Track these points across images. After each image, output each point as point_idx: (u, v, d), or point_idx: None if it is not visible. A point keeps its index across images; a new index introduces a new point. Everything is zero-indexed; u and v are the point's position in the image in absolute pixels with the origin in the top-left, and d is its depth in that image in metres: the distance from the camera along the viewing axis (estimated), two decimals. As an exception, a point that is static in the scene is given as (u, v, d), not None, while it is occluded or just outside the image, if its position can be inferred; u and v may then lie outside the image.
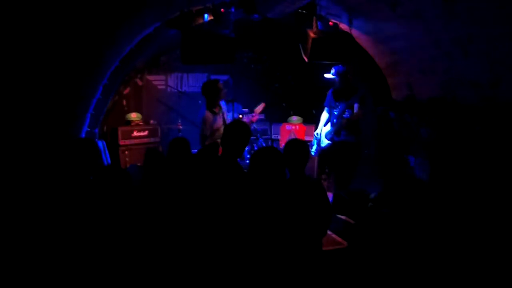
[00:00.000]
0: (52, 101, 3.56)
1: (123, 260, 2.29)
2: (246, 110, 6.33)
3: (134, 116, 6.32)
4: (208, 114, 4.63)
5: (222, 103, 4.89)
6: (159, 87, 7.07)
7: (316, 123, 5.52)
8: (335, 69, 5.10)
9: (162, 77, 7.08)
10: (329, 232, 3.54)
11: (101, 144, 5.40)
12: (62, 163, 2.90)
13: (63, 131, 4.17)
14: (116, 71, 5.03)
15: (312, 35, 4.77)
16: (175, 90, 7.06)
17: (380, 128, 6.03)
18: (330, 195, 3.46)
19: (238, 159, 2.98)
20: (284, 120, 6.99)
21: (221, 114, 4.82)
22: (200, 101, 5.27)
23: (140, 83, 6.83)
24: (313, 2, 4.73)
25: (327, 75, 5.21)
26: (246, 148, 6.20)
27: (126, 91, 6.62)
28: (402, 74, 5.33)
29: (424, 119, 5.02)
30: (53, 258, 2.26)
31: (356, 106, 5.02)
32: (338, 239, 3.79)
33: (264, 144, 6.78)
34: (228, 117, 5.44)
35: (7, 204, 2.83)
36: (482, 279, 2.83)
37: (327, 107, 5.33)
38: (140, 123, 6.36)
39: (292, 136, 6.49)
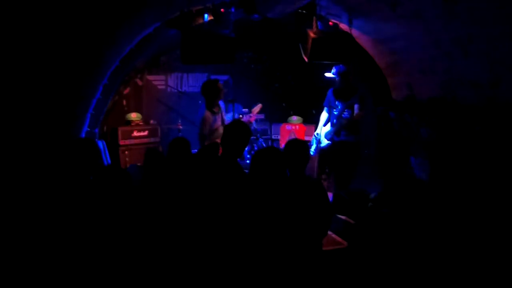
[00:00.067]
0: (52, 101, 3.56)
1: (123, 260, 2.29)
2: (246, 110, 6.33)
3: (134, 116, 6.32)
4: (208, 114, 4.63)
5: (221, 103, 4.90)
6: (159, 87, 7.07)
7: (316, 123, 5.52)
8: (336, 68, 5.10)
9: (162, 77, 7.07)
10: (329, 232, 3.54)
11: (101, 144, 5.40)
12: (62, 163, 2.89)
13: (63, 131, 4.17)
14: (116, 71, 5.03)
15: (312, 35, 4.77)
16: (175, 90, 7.05)
17: (380, 128, 6.03)
18: (330, 195, 3.46)
19: (238, 159, 2.98)
20: (284, 120, 6.99)
21: (220, 114, 4.82)
22: (200, 101, 5.26)
23: (140, 83, 6.82)
24: (313, 2, 4.73)
25: (327, 74, 5.21)
26: (246, 148, 6.21)
27: (126, 91, 6.62)
28: (402, 74, 5.33)
29: (424, 119, 5.02)
30: (53, 258, 2.26)
31: (356, 106, 5.02)
32: (338, 239, 3.79)
33: (264, 144, 6.78)
34: (228, 118, 5.44)
35: (8, 204, 2.83)
36: (482, 279, 2.83)
37: (326, 107, 5.33)
38: (140, 123, 6.36)
39: (292, 136, 6.49)
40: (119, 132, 6.04)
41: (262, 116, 7.23)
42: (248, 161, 6.53)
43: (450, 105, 4.50)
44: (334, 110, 5.15)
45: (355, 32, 5.05)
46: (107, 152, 5.58)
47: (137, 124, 6.30)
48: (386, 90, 5.71)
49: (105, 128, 6.15)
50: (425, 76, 4.84)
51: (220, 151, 3.02)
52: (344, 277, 3.02)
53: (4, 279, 2.23)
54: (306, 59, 4.94)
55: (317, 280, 2.62)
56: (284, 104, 7.67)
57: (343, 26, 5.11)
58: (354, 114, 5.02)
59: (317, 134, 5.35)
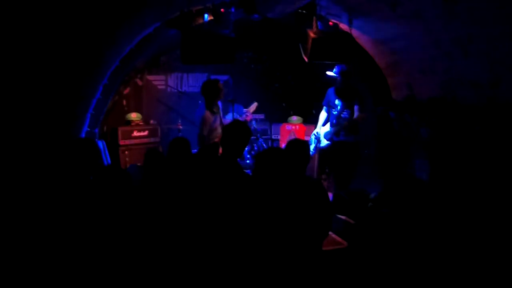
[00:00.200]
0: (52, 101, 3.56)
1: (123, 260, 2.29)
2: (246, 110, 6.34)
3: (134, 116, 6.32)
4: (208, 114, 4.63)
5: (219, 103, 4.90)
6: (159, 87, 7.07)
7: (316, 123, 5.52)
8: (338, 68, 5.10)
9: (162, 77, 7.08)
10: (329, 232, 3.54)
11: (101, 144, 5.40)
12: (62, 163, 2.89)
13: (63, 131, 4.17)
14: (116, 71, 5.03)
15: (312, 35, 4.77)
16: (175, 90, 7.05)
17: (380, 128, 6.03)
18: (330, 195, 3.46)
19: (238, 159, 2.98)
20: (284, 120, 6.99)
21: (219, 114, 4.83)
22: (200, 101, 5.27)
23: (140, 83, 6.82)
24: (313, 2, 4.74)
25: (329, 73, 5.21)
26: (246, 148, 6.21)
27: (126, 91, 6.62)
28: (402, 74, 5.33)
29: (424, 119, 5.02)
30: (53, 258, 2.26)
31: (356, 108, 5.03)
32: (338, 239, 3.79)
33: (264, 144, 6.79)
34: (229, 118, 5.44)
35: (8, 204, 2.83)
36: (482, 279, 2.83)
37: (325, 106, 5.33)
38: (140, 123, 6.36)
39: (292, 136, 6.49)
40: (119, 132, 6.04)
41: (262, 116, 7.24)
42: (248, 161, 6.54)
43: (450, 105, 4.50)
44: (334, 110, 5.15)
45: (355, 32, 5.06)
46: (107, 152, 5.58)
47: (137, 124, 6.30)
48: (386, 90, 5.72)
49: (105, 128, 6.15)
50: (425, 76, 4.84)
51: (220, 151, 3.02)
52: (344, 277, 3.02)
53: (4, 279, 2.23)
54: (306, 59, 4.95)
55: (317, 280, 2.62)
56: (284, 104, 7.67)
57: (343, 26, 5.11)
58: (355, 115, 5.03)
59: (317, 133, 5.35)
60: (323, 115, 5.37)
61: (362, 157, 5.85)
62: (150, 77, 6.94)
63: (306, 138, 6.00)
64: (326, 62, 5.10)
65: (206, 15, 4.53)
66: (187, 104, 6.76)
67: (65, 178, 2.67)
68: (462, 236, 3.22)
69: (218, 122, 4.74)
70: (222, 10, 4.50)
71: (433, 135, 4.90)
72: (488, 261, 2.97)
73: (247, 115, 5.64)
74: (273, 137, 7.24)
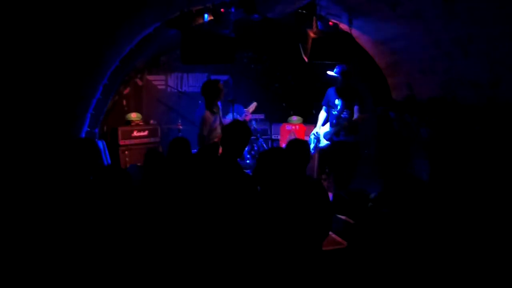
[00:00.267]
0: (53, 101, 3.56)
1: (123, 260, 2.29)
2: (245, 110, 6.34)
3: (134, 116, 6.32)
4: (208, 114, 4.62)
5: (219, 104, 4.90)
6: (159, 87, 7.07)
7: (316, 123, 5.52)
8: (338, 68, 5.10)
9: (162, 77, 7.08)
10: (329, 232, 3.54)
11: (101, 144, 5.40)
12: (62, 163, 2.89)
13: (63, 131, 4.17)
14: (116, 71, 5.03)
15: (312, 35, 4.77)
16: (175, 90, 7.05)
17: (380, 128, 6.03)
18: (330, 195, 3.46)
19: (238, 159, 2.98)
20: (284, 120, 6.99)
21: (219, 114, 4.83)
22: (200, 101, 5.27)
23: (140, 83, 6.83)
24: (313, 2, 4.74)
25: (330, 73, 5.21)
26: (246, 148, 6.21)
27: (126, 91, 6.62)
28: (402, 74, 5.33)
29: (424, 119, 5.02)
30: (53, 258, 2.26)
31: (356, 108, 5.03)
32: (338, 239, 3.79)
33: (264, 144, 6.78)
34: (229, 118, 5.44)
35: (8, 204, 2.83)
36: (482, 279, 2.83)
37: (325, 106, 5.33)
38: (140, 123, 6.36)
39: (292, 136, 6.49)
40: (119, 132, 6.04)
41: (262, 116, 7.24)
42: (248, 161, 6.54)
43: (450, 105, 4.50)
44: (333, 109, 5.16)
45: (355, 32, 5.06)
46: (107, 152, 5.58)
47: (137, 124, 6.30)
48: (386, 90, 5.72)
49: (105, 128, 6.15)
50: (425, 76, 4.84)
51: (220, 151, 3.02)
52: (344, 277, 3.02)
53: (4, 279, 2.23)
54: (306, 59, 4.94)
55: (317, 280, 2.62)
56: (284, 104, 7.67)
57: (343, 26, 5.11)
58: (355, 116, 5.03)
59: (316, 133, 5.35)
60: (322, 115, 5.37)
61: (362, 157, 5.85)
62: (150, 77, 6.94)
63: (306, 138, 6.00)
64: (326, 62, 5.11)
65: (206, 15, 4.53)
66: (187, 104, 6.76)
67: (65, 178, 2.67)
68: (462, 236, 3.22)
69: (218, 122, 4.74)
70: (222, 10, 4.50)
71: (433, 135, 4.90)
72: (488, 261, 2.97)
73: (246, 115, 5.65)
74: (273, 137, 7.24)
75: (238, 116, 5.74)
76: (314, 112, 6.68)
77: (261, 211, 2.59)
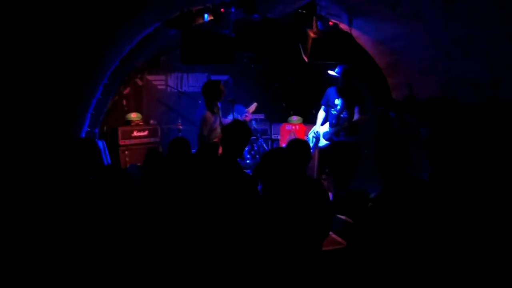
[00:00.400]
0: (53, 101, 3.56)
1: (123, 260, 2.29)
2: (246, 110, 6.34)
3: (134, 116, 6.32)
4: (209, 115, 4.63)
5: (219, 104, 4.90)
6: (159, 87, 7.07)
7: (315, 123, 5.52)
8: (339, 68, 5.10)
9: (162, 77, 7.08)
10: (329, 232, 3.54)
11: (101, 144, 5.40)
12: (62, 163, 2.89)
13: (63, 131, 4.17)
14: (116, 71, 5.03)
15: (312, 35, 4.77)
16: (175, 90, 7.06)
17: (380, 128, 6.03)
18: (330, 195, 3.46)
19: (238, 159, 2.98)
20: (284, 120, 6.99)
21: (219, 115, 4.83)
22: (200, 101, 5.27)
23: (140, 83, 6.83)
24: (313, 2, 4.74)
25: (331, 72, 5.21)
26: (246, 148, 6.21)
27: (126, 91, 6.63)
28: (402, 74, 5.33)
29: (424, 119, 5.02)
30: (53, 258, 2.26)
31: (356, 109, 5.03)
32: (338, 239, 3.79)
33: (264, 144, 6.78)
34: (230, 119, 5.44)
35: (8, 203, 2.83)
36: (482, 279, 2.83)
37: (324, 105, 5.33)
38: (140, 123, 6.36)
39: (292, 136, 6.49)
40: (119, 132, 6.04)
41: (262, 116, 7.23)
42: (248, 161, 6.54)
43: (450, 105, 4.50)
44: (333, 109, 5.15)
45: (355, 32, 5.06)
46: (107, 152, 5.58)
47: (137, 124, 6.30)
48: (386, 90, 5.71)
49: (105, 128, 6.15)
50: (425, 76, 4.84)
51: (220, 151, 3.02)
52: (343, 277, 3.02)
53: (4, 279, 2.23)
54: (306, 59, 4.95)
55: (317, 280, 2.62)
56: (284, 104, 7.67)
57: (343, 26, 5.11)
58: (355, 117, 5.03)
59: (316, 132, 5.34)
60: (321, 114, 5.38)
61: (362, 157, 5.85)
62: (150, 77, 6.94)
63: (306, 138, 6.01)
64: (326, 62, 5.11)
65: (206, 15, 4.53)
66: (187, 104, 6.76)
67: (65, 178, 2.67)
68: (462, 236, 3.23)
69: (218, 122, 4.75)
70: (222, 10, 4.50)
71: (433, 135, 4.90)
72: (488, 260, 2.97)
73: (247, 116, 5.65)
74: (273, 137, 7.24)
75: (238, 116, 5.75)
76: (314, 112, 6.68)
77: (261, 211, 2.59)
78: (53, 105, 3.60)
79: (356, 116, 5.05)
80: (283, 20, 5.18)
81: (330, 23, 5.03)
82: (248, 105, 5.91)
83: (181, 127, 6.19)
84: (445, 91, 4.55)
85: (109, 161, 5.61)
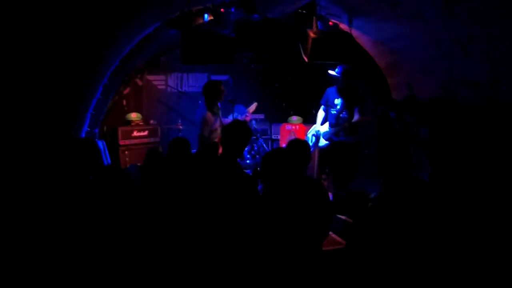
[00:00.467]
0: (53, 101, 3.56)
1: (123, 260, 2.29)
2: (246, 110, 6.34)
3: (134, 116, 6.32)
4: (209, 115, 4.62)
5: (219, 104, 4.90)
6: (159, 87, 7.07)
7: (315, 123, 5.52)
8: (340, 68, 5.10)
9: (162, 77, 7.08)
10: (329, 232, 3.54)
11: (101, 144, 5.40)
12: (62, 163, 2.89)
13: (63, 131, 4.17)
14: (116, 71, 5.03)
15: (312, 35, 4.77)
16: (175, 90, 7.06)
17: (380, 128, 6.03)
18: (330, 195, 3.46)
19: (238, 159, 2.98)
20: (284, 120, 6.99)
21: (219, 115, 4.83)
22: (200, 101, 5.28)
23: (140, 83, 6.83)
24: (313, 2, 4.74)
25: (331, 72, 5.21)
26: (246, 148, 6.21)
27: (126, 91, 6.62)
28: (402, 74, 5.33)
29: (424, 119, 5.02)
30: (53, 258, 2.26)
31: (356, 110, 5.04)
32: (338, 239, 3.79)
33: (264, 144, 6.78)
34: (231, 119, 5.43)
35: (8, 203, 2.83)
36: (482, 279, 2.83)
37: (323, 105, 5.33)
38: (140, 123, 6.36)
39: (292, 136, 6.49)
40: (119, 132, 6.04)
41: (262, 116, 7.23)
42: (248, 161, 6.54)
43: (450, 105, 4.50)
44: (332, 109, 5.15)
45: (355, 32, 5.06)
46: (107, 152, 5.58)
47: (137, 124, 6.30)
48: (386, 90, 5.72)
49: (105, 128, 6.15)
50: (425, 76, 4.84)
51: (220, 151, 3.02)
52: (343, 277, 3.02)
53: (4, 279, 2.23)
54: (306, 59, 4.95)
55: (317, 280, 2.62)
56: (284, 104, 7.67)
57: (343, 26, 5.11)
58: (354, 117, 5.04)
59: (317, 131, 5.34)
60: (320, 114, 5.38)
61: (362, 157, 5.85)
62: (150, 77, 6.94)
63: (306, 138, 6.00)
64: (326, 62, 5.11)
65: (206, 15, 4.53)
66: (187, 104, 6.76)
67: (65, 178, 2.67)
68: (462, 236, 3.22)
69: (218, 123, 4.74)
70: (222, 10, 4.50)
71: (433, 135, 4.90)
72: (488, 261, 2.97)
73: (247, 116, 5.65)
74: (273, 137, 7.23)
75: (239, 115, 5.75)
76: (314, 112, 6.69)
77: (261, 211, 2.59)
78: (53, 105, 3.60)
79: (355, 117, 5.05)
80: (283, 20, 5.18)
81: (330, 23, 5.03)
82: (248, 105, 5.91)
83: (181, 127, 6.19)
84: (445, 91, 4.55)
85: (109, 161, 5.61)
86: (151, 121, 6.62)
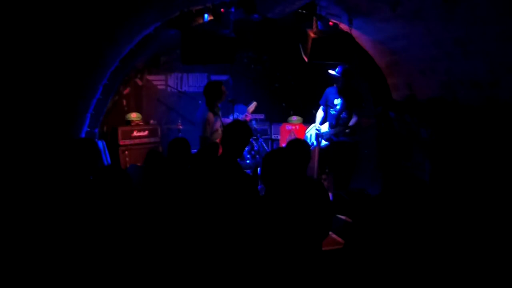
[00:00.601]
0: (52, 101, 3.56)
1: (123, 260, 2.29)
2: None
3: (134, 116, 6.32)
4: (211, 115, 4.62)
5: (219, 105, 4.91)
6: (159, 87, 7.07)
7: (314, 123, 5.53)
8: (340, 68, 5.10)
9: (162, 77, 7.08)
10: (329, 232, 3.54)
11: (101, 144, 5.41)
12: (62, 163, 2.89)
13: (63, 131, 4.17)
14: (116, 71, 5.03)
15: (312, 35, 4.78)
16: (175, 90, 7.06)
17: (380, 128, 6.03)
18: (330, 195, 3.47)
19: (238, 159, 2.98)
20: (284, 120, 6.99)
21: (220, 116, 4.83)
22: (200, 101, 5.27)
23: (140, 83, 6.83)
24: (313, 2, 4.74)
25: (331, 72, 5.21)
26: (246, 148, 6.21)
27: (126, 91, 6.63)
28: (402, 74, 5.33)
29: (424, 119, 5.02)
30: (53, 258, 2.26)
31: (354, 112, 5.05)
32: (338, 239, 3.79)
33: (264, 144, 6.78)
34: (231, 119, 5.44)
35: (8, 203, 2.83)
36: (482, 279, 2.83)
37: (323, 105, 5.33)
38: (140, 123, 6.36)
39: (292, 136, 6.50)
40: (119, 132, 6.04)
41: (262, 116, 7.23)
42: (248, 161, 6.54)
43: (450, 105, 4.50)
44: (332, 109, 5.16)
45: (355, 32, 5.06)
46: (107, 152, 5.58)
47: (137, 124, 6.31)
48: (386, 90, 5.72)
49: (105, 128, 6.15)
50: (425, 76, 4.83)
51: (220, 151, 3.02)
52: (343, 277, 3.02)
53: (4, 279, 2.23)
54: (306, 59, 4.95)
55: (317, 280, 2.62)
56: (284, 104, 7.67)
57: (343, 26, 5.11)
58: (353, 121, 5.05)
59: (317, 129, 5.34)
60: (320, 113, 5.38)
61: (362, 157, 5.85)
62: (150, 77, 6.94)
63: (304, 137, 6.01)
64: (326, 62, 5.11)
65: (206, 15, 4.53)
66: (187, 104, 6.77)
67: (65, 178, 2.67)
68: (462, 236, 3.23)
69: (219, 123, 4.75)
70: (222, 10, 4.50)
71: (433, 135, 4.90)
72: (488, 260, 2.97)
73: (247, 116, 5.65)
74: (273, 137, 7.24)
75: (239, 116, 5.75)
76: (313, 112, 6.70)
77: (261, 211, 2.59)
78: (53, 105, 3.60)
79: (353, 120, 5.05)
80: (283, 20, 5.18)
81: (330, 23, 5.03)
82: (248, 104, 5.91)
83: (181, 127, 6.19)
84: (445, 91, 4.55)
85: (109, 161, 5.61)
86: (151, 121, 6.63)
